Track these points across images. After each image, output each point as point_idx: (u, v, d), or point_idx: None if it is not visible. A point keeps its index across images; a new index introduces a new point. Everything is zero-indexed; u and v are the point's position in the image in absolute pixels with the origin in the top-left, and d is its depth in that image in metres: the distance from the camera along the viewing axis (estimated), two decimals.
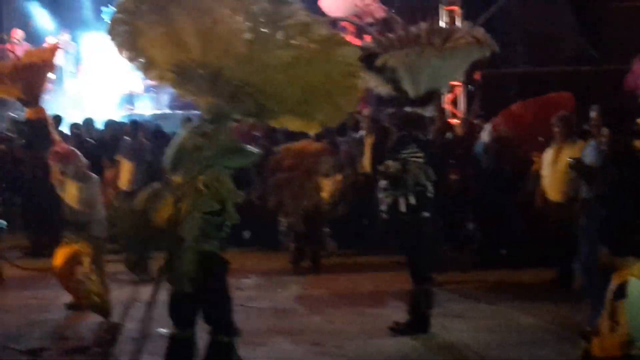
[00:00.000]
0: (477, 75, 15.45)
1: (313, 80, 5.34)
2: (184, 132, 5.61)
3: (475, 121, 13.02)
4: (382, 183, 7.93)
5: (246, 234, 13.10)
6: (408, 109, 8.07)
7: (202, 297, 5.57)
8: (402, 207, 7.69)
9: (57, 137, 11.49)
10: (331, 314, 8.59)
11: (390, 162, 7.79)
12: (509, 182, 10.98)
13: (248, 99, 5.31)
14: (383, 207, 7.94)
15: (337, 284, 10.15)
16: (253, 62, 5.17)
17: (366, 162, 12.06)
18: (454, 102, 16.85)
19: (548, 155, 9.74)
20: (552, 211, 9.66)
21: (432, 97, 8.10)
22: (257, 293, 9.73)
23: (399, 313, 8.07)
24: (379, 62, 7.72)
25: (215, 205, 5.37)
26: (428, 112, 8.18)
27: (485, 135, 11.34)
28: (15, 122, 14.16)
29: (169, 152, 5.57)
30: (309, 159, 10.92)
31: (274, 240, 12.62)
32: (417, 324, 7.80)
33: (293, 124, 5.83)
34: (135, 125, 13.67)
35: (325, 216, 11.18)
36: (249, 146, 5.74)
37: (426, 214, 7.80)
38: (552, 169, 9.60)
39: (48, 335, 7.98)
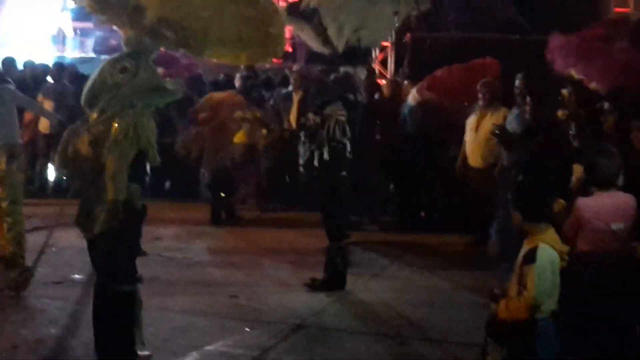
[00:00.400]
0: (407, 37, 15.48)
1: (236, 22, 5.16)
2: (102, 65, 5.27)
3: (404, 83, 13.06)
4: (302, 136, 7.97)
5: (167, 184, 13.08)
6: (341, 69, 8.13)
7: (110, 244, 5.23)
8: (316, 162, 7.74)
9: None
10: (248, 268, 8.60)
11: (311, 115, 7.80)
12: (431, 146, 11.07)
13: (170, 34, 5.10)
14: (301, 161, 7.97)
15: (257, 239, 10.16)
16: None
17: (293, 118, 12.02)
18: (383, 63, 16.90)
19: (471, 120, 9.83)
20: (472, 177, 9.78)
21: (361, 55, 8.16)
22: (175, 244, 9.69)
23: (316, 270, 8.11)
24: (303, 4, 7.71)
25: (134, 149, 5.11)
26: (358, 72, 8.25)
27: (410, 98, 11.39)
28: None
29: (86, 86, 5.27)
30: (227, 110, 10.86)
31: (194, 191, 12.60)
32: (333, 281, 7.87)
33: (219, 57, 5.61)
34: (60, 68, 13.44)
35: (243, 169, 11.15)
36: (171, 83, 5.45)
37: (342, 172, 7.83)
38: (474, 135, 9.69)
39: None
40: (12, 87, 8.24)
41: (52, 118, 9.39)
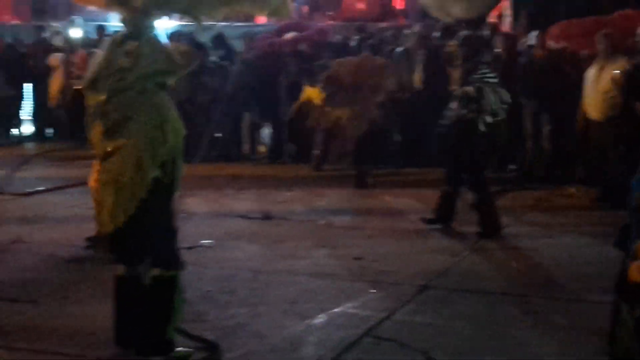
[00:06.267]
0: None
1: None
2: (106, 47, 4.97)
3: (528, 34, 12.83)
4: (453, 104, 8.18)
5: (290, 148, 13.26)
6: (466, 32, 8.19)
7: (142, 228, 4.95)
8: (481, 127, 8.02)
9: None
10: (372, 229, 8.68)
11: (467, 88, 8.00)
12: (550, 99, 10.87)
13: (160, 12, 4.94)
14: (445, 122, 8.28)
15: (380, 200, 10.22)
16: None
17: (418, 78, 11.98)
18: (499, 16, 16.53)
19: (590, 73, 9.61)
20: (593, 130, 9.59)
21: (483, 18, 8.20)
22: (300, 206, 9.86)
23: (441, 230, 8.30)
24: None
25: (156, 137, 4.81)
26: (485, 32, 8.38)
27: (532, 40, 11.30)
28: None
29: (90, 69, 5.03)
30: (372, 75, 10.88)
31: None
32: (489, 229, 8.25)
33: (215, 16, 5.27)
34: (177, 36, 13.74)
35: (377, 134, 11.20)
36: (179, 56, 4.99)
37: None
38: (593, 87, 9.47)
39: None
40: None
41: None
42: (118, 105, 4.80)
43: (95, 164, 5.07)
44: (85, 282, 6.92)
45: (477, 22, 8.20)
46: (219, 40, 14.37)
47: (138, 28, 4.89)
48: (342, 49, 13.30)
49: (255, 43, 13.40)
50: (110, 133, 4.83)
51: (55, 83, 14.67)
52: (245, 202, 10.06)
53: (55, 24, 17.31)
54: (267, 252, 7.83)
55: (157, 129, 4.82)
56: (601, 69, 9.51)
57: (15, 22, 20.24)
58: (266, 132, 14.32)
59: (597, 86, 9.46)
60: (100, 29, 14.98)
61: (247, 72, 13.16)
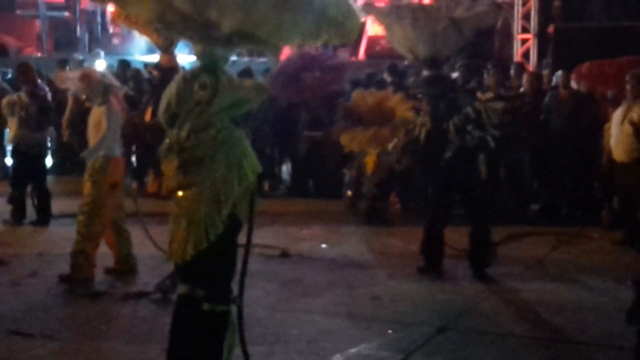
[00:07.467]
0: (550, 29, 15.10)
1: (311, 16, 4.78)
2: (177, 81, 4.97)
3: (546, 75, 12.78)
4: (451, 134, 8.03)
5: (310, 183, 13.22)
6: (426, 72, 8.24)
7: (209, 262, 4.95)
8: (491, 143, 8.07)
9: None
10: (392, 268, 8.59)
11: (466, 111, 7.97)
12: (577, 140, 10.78)
13: (242, 43, 4.90)
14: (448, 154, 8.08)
15: (400, 238, 10.12)
16: (242, 6, 4.65)
17: None
18: (525, 55, 16.52)
19: (617, 113, 9.54)
20: (618, 172, 9.48)
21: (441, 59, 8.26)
22: (319, 244, 9.77)
23: (458, 268, 8.18)
24: None
25: (234, 175, 4.86)
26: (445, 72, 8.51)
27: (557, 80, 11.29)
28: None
29: (163, 105, 4.97)
30: (391, 113, 10.83)
31: (337, 190, 12.66)
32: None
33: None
34: None
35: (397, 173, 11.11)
36: (253, 85, 4.98)
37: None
38: (619, 129, 9.39)
39: (110, 280, 8.08)
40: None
41: None
42: (199, 142, 4.83)
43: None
44: (101, 318, 6.92)
45: (441, 61, 8.22)
46: (247, 74, 14.35)
47: (214, 61, 4.90)
48: (365, 84, 13.26)
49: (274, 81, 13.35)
50: (186, 168, 4.87)
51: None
52: (263, 239, 9.96)
53: (79, 56, 17.45)
54: (284, 290, 7.76)
55: (236, 167, 4.86)
56: (628, 109, 9.43)
57: (38, 54, 20.47)
58: (284, 168, 14.32)
59: (623, 127, 9.36)
60: (122, 63, 15.05)
61: (269, 107, 13.11)
